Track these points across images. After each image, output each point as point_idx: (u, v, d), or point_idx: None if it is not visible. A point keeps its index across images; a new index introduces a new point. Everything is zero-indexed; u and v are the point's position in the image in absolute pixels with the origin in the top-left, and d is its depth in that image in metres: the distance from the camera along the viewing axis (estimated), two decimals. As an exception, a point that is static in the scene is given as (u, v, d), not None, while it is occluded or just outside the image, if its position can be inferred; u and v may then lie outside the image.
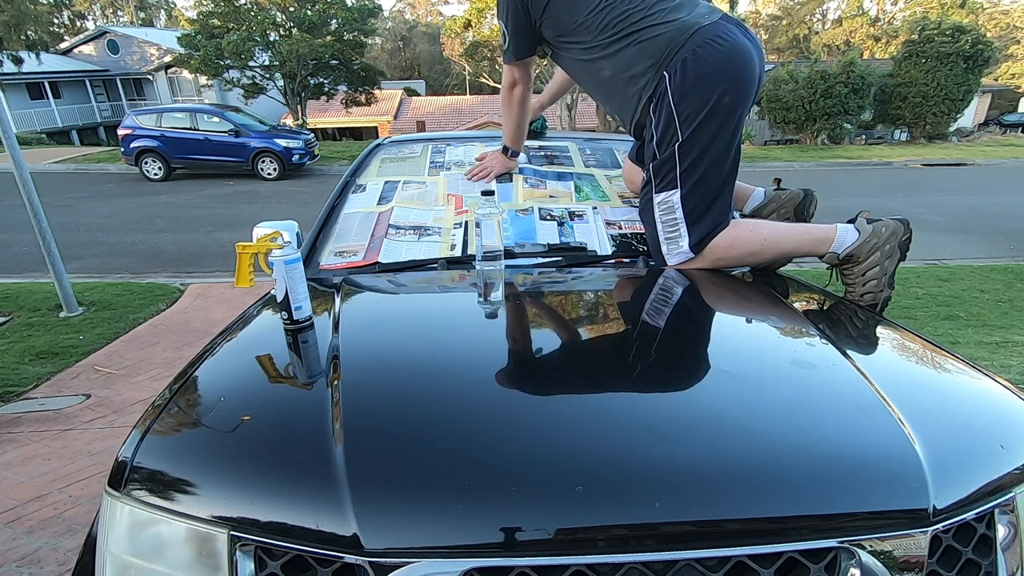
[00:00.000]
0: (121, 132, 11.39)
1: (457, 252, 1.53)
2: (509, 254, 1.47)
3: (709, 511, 0.63)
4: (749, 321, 1.18)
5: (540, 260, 1.51)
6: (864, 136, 18.62)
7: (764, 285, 1.41)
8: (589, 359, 0.98)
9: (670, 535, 0.62)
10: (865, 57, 24.06)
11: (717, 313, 1.27)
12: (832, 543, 0.62)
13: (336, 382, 0.83)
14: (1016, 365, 3.09)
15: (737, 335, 1.10)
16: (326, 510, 0.63)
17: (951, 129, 17.96)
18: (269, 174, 11.35)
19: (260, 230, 1.44)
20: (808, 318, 1.14)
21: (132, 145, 11.19)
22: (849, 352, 0.94)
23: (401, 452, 0.70)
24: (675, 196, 1.41)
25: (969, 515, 0.68)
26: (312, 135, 12.94)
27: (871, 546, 0.62)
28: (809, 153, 14.58)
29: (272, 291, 1.11)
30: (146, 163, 11.26)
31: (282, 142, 11.44)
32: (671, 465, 0.67)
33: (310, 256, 1.58)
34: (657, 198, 1.44)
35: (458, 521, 0.62)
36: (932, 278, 4.75)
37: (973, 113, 21.34)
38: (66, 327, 3.83)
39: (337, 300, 1.19)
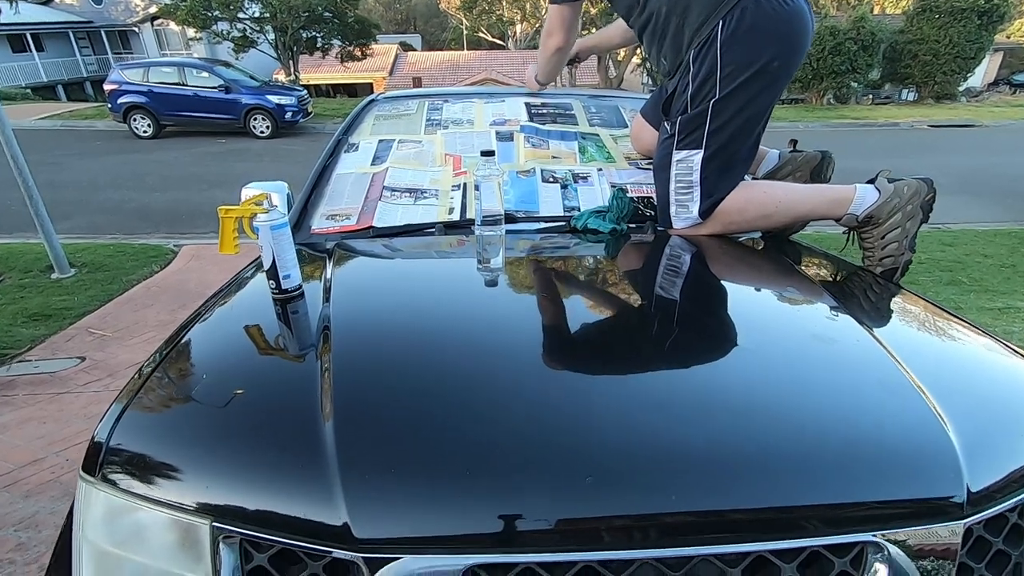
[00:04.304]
0: (107, 87, 11.03)
1: (455, 216, 1.46)
2: (510, 218, 1.40)
3: (728, 502, 0.58)
4: (766, 292, 1.12)
5: (542, 225, 1.44)
6: (871, 96, 18.23)
7: (778, 253, 1.35)
8: (596, 332, 0.93)
9: (687, 529, 0.58)
10: (876, 12, 23.29)
11: (731, 284, 1.21)
12: (861, 537, 0.58)
13: (327, 356, 0.78)
14: (1018, 332, 3.07)
15: (753, 307, 1.04)
16: (314, 497, 0.59)
17: (960, 89, 17.56)
18: (262, 132, 11.07)
19: (249, 191, 1.37)
20: (827, 289, 1.08)
21: (119, 101, 10.85)
22: (872, 326, 0.89)
23: (396, 434, 0.66)
24: (697, 157, 1.33)
25: (1006, 504, 0.64)
26: (305, 91, 12.56)
27: (900, 539, 0.59)
28: (815, 113, 14.27)
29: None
30: (135, 120, 10.95)
31: (274, 99, 11.10)
32: (687, 451, 0.63)
33: (301, 219, 1.51)
34: (677, 155, 1.36)
35: (458, 511, 0.58)
36: (935, 242, 4.70)
37: (983, 72, 20.81)
38: (58, 289, 3.78)
39: (329, 267, 1.13)
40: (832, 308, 0.98)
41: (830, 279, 1.23)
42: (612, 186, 1.55)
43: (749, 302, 1.07)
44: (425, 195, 1.53)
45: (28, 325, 3.25)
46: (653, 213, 1.50)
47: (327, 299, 0.97)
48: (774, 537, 0.57)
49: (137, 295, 3.74)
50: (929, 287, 3.77)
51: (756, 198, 1.37)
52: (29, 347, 3.02)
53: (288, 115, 11.19)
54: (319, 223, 1.49)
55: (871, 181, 1.36)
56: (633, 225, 1.46)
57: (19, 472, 1.99)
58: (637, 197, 1.53)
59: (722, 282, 1.21)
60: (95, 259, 4.32)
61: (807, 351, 0.84)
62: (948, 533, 0.60)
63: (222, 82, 11.00)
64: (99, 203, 6.32)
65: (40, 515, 1.78)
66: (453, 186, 1.56)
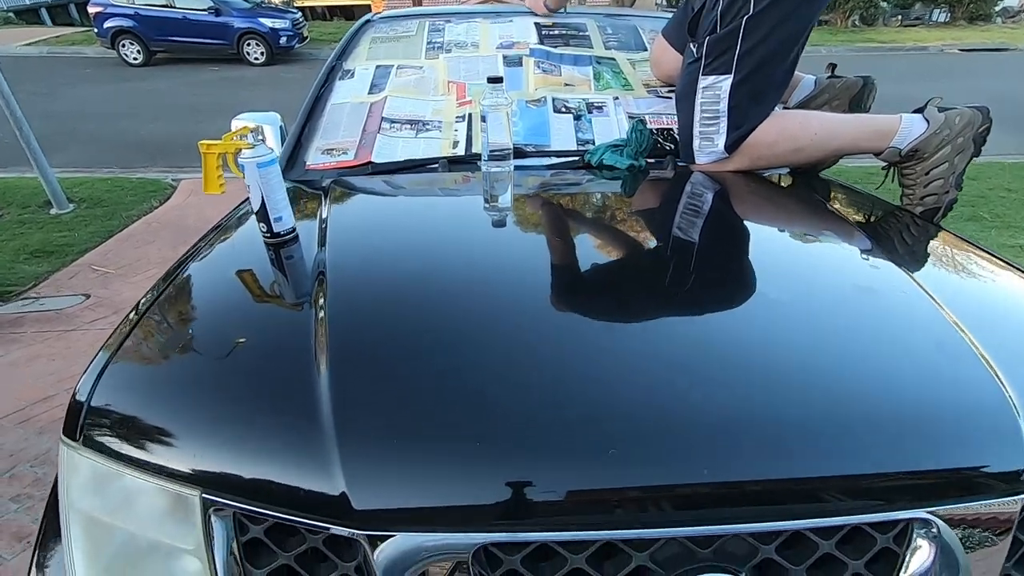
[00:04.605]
0: (92, 10, 10.46)
1: (460, 150, 1.36)
2: (519, 153, 1.31)
3: (764, 474, 0.53)
4: (800, 237, 1.04)
5: (554, 160, 1.34)
6: (900, 16, 17.11)
7: (810, 192, 1.25)
8: (612, 280, 0.86)
9: (719, 503, 0.53)
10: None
11: (762, 226, 1.11)
12: (909, 514, 0.53)
13: (322, 307, 0.73)
14: (1040, 270, 2.99)
15: (786, 253, 0.96)
16: (310, 464, 0.54)
17: (996, 8, 16.42)
18: (256, 59, 10.59)
19: (239, 123, 1.27)
20: (866, 233, 0.99)
21: (106, 25, 10.32)
22: (917, 274, 0.82)
23: (398, 394, 0.60)
24: (726, 83, 1.20)
25: None
26: (299, 14, 11.93)
27: (950, 514, 0.54)
28: (839, 36, 13.45)
29: None
30: (123, 46, 10.45)
31: (268, 22, 10.55)
32: (718, 416, 0.57)
33: (295, 154, 1.41)
34: (704, 81, 1.23)
35: (466, 482, 0.54)
36: (960, 176, 4.51)
37: (1024, -11, 19.37)
38: (58, 225, 3.72)
39: (325, 206, 1.06)
40: (873, 254, 0.90)
41: (867, 221, 1.14)
42: (630, 117, 1.44)
43: (782, 248, 0.99)
44: (427, 127, 1.43)
45: (30, 262, 3.22)
46: (674, 147, 1.39)
47: (323, 243, 0.91)
48: (815, 512, 0.53)
49: (138, 231, 3.69)
50: (948, 223, 3.56)
51: (789, 130, 1.25)
52: (33, 284, 3.00)
53: (283, 40, 10.68)
54: (314, 158, 1.40)
55: (919, 110, 1.23)
56: (652, 160, 1.36)
57: (31, 409, 2.01)
58: (657, 129, 1.42)
59: (751, 224, 1.12)
60: (93, 194, 4.24)
61: (847, 302, 0.77)
62: (1004, 506, 0.55)
63: (211, 3, 10.43)
64: (92, 135, 6.14)
65: (54, 451, 1.77)
66: (457, 117, 1.44)
